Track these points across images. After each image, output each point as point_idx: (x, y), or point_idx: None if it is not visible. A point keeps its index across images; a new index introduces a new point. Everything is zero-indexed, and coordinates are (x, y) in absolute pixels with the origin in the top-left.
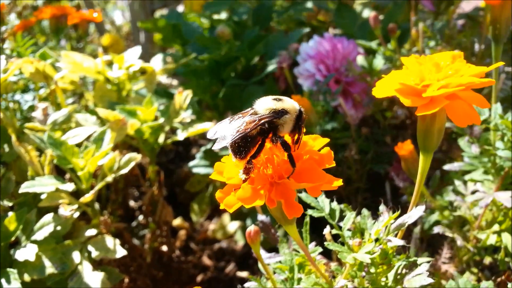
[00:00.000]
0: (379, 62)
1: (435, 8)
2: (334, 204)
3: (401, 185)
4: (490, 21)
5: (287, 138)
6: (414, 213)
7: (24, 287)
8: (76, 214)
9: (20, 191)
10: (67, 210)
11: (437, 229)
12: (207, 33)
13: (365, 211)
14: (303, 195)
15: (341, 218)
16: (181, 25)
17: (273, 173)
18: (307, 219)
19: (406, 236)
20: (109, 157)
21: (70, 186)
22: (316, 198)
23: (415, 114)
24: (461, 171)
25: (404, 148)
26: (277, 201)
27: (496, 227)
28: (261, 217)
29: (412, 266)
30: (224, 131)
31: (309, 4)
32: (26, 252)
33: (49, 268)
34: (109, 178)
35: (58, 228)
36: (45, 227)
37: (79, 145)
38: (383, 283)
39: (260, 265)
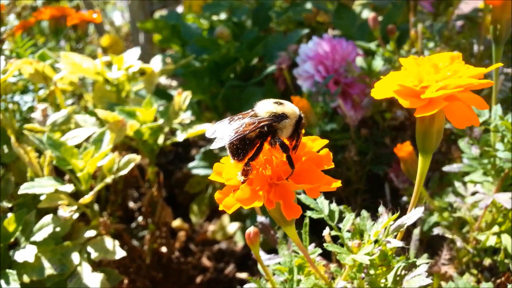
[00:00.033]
0: (378, 63)
1: (434, 9)
2: (333, 206)
3: (400, 186)
4: (491, 22)
5: (285, 142)
6: (413, 214)
7: None
8: (76, 215)
9: (20, 192)
10: (67, 211)
11: (436, 231)
12: (206, 34)
13: (364, 213)
14: (302, 196)
15: (341, 219)
16: (180, 26)
17: (272, 174)
18: (307, 220)
19: (406, 237)
20: (108, 158)
21: (69, 187)
22: (315, 199)
23: (414, 116)
24: (460, 173)
25: (403, 149)
26: (276, 202)
27: (496, 228)
28: (261, 218)
29: (411, 267)
30: (223, 131)
31: (308, 5)
32: (25, 253)
33: (48, 269)
34: (109, 179)
35: (58, 229)
36: (45, 228)
37: (78, 146)
38: (382, 285)
39: (259, 267)
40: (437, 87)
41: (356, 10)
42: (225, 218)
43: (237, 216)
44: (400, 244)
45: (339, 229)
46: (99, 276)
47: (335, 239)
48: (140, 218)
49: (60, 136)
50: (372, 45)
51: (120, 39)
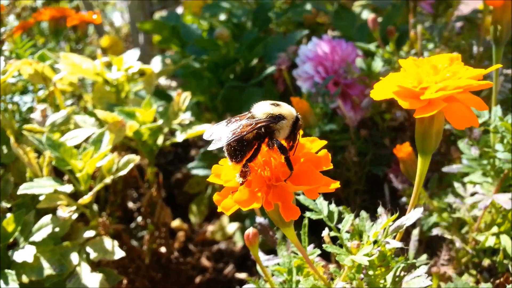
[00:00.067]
0: (377, 64)
1: (434, 10)
2: (333, 206)
3: (399, 187)
4: (491, 23)
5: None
6: (412, 215)
7: None
8: (75, 216)
9: (19, 192)
10: (66, 212)
11: (435, 231)
12: (206, 35)
13: (363, 213)
14: (301, 197)
15: (340, 220)
16: (180, 26)
17: (271, 175)
18: (306, 221)
19: (405, 237)
20: (107, 159)
21: (68, 188)
22: (314, 200)
23: (414, 117)
24: (459, 173)
25: (403, 150)
26: (274, 204)
27: (495, 229)
28: (260, 219)
29: (410, 268)
30: (220, 133)
31: (308, 6)
32: (24, 254)
33: (47, 270)
34: (108, 180)
35: (57, 229)
36: (44, 228)
37: (77, 146)
38: (381, 285)
39: (258, 267)
40: (436, 88)
41: (356, 11)
42: (225, 218)
43: (236, 216)
44: (399, 245)
45: (338, 230)
46: (98, 276)
47: (334, 239)
48: (139, 219)
49: (60, 136)
50: (372, 46)
51: (119, 40)
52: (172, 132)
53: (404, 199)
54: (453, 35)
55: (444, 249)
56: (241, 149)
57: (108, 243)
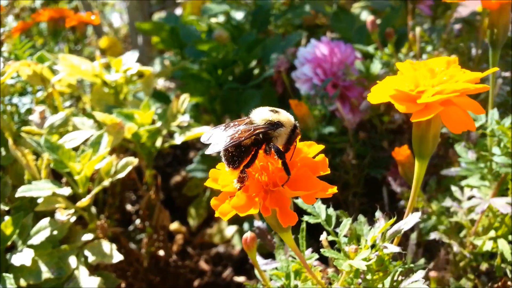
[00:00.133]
0: (376, 66)
1: (432, 13)
2: (331, 210)
3: (398, 190)
4: (488, 26)
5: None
6: (410, 219)
7: None
8: (73, 219)
9: (17, 195)
10: (64, 215)
11: (433, 235)
12: (204, 36)
13: (361, 217)
14: (299, 201)
15: (338, 224)
16: (179, 28)
17: (268, 180)
18: (304, 225)
19: (403, 241)
20: (106, 161)
21: (66, 190)
22: (313, 204)
23: (410, 121)
24: (458, 177)
25: (401, 153)
26: (272, 209)
27: (492, 233)
28: (258, 223)
29: (408, 272)
30: (218, 137)
31: (307, 8)
32: (22, 257)
33: (46, 273)
34: (106, 182)
35: (55, 232)
36: (42, 231)
37: (76, 149)
38: None
39: (256, 271)
40: (433, 91)
41: (355, 12)
42: (223, 221)
43: (234, 219)
44: (396, 249)
45: (336, 234)
46: (96, 280)
47: (332, 243)
48: (137, 221)
49: (58, 138)
50: (370, 48)
51: (118, 41)
52: (170, 134)
53: (402, 202)
54: (452, 38)
55: (442, 253)
56: (238, 154)
57: (106, 246)
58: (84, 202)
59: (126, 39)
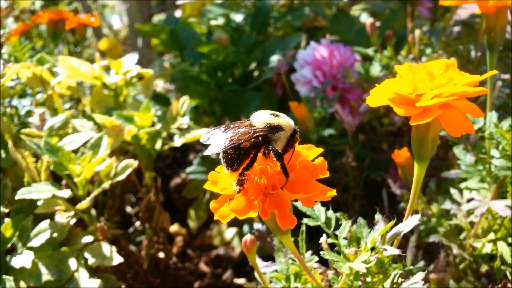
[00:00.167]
0: (376, 69)
1: (431, 15)
2: (330, 213)
3: (398, 192)
4: (485, 29)
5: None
6: (410, 222)
7: None
8: (73, 221)
9: (17, 197)
10: (64, 217)
11: (433, 238)
12: (204, 38)
13: (361, 220)
14: (298, 204)
15: (338, 226)
16: (178, 30)
17: (267, 183)
18: (303, 227)
19: (403, 243)
20: (105, 164)
21: (66, 193)
22: (312, 206)
23: (409, 124)
24: (458, 178)
25: (401, 155)
26: (271, 212)
27: (491, 235)
28: (257, 225)
29: (408, 274)
30: (218, 138)
31: (306, 10)
32: (22, 259)
33: (45, 275)
34: (106, 185)
35: (55, 235)
36: (42, 234)
37: (75, 151)
38: None
39: (256, 274)
40: (432, 95)
41: (354, 15)
42: (223, 224)
43: (234, 221)
44: (396, 252)
45: (336, 236)
46: (96, 282)
47: (332, 246)
48: (137, 223)
49: (58, 141)
50: (370, 51)
51: (118, 42)
52: (170, 136)
53: (402, 204)
54: (451, 40)
55: (441, 255)
56: (238, 157)
57: (106, 248)
58: (84, 204)
59: (125, 41)
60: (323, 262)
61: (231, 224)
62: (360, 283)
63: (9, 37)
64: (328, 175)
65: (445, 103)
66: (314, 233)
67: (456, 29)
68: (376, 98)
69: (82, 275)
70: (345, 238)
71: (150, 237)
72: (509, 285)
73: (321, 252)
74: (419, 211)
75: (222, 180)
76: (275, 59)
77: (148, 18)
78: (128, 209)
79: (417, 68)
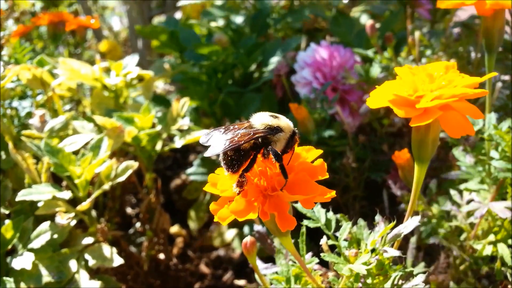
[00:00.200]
0: (375, 70)
1: (431, 16)
2: (330, 214)
3: (398, 193)
4: (483, 31)
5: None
6: (410, 223)
7: None
8: (73, 222)
9: (17, 199)
10: (64, 218)
11: (433, 239)
12: (204, 40)
13: (361, 221)
14: (298, 206)
15: (338, 227)
16: (178, 32)
17: (267, 185)
18: (303, 229)
19: (404, 244)
20: (106, 165)
21: (67, 194)
22: (312, 208)
23: (409, 125)
24: (458, 180)
25: (401, 156)
26: (271, 214)
27: (491, 237)
28: (258, 227)
29: (408, 276)
30: (217, 140)
31: (306, 12)
32: (23, 261)
33: (46, 277)
34: (106, 186)
35: (55, 236)
36: (42, 235)
37: (76, 152)
38: None
39: (257, 275)
40: (432, 96)
41: (354, 16)
42: (223, 225)
43: (234, 223)
44: (396, 253)
45: (336, 238)
46: (96, 284)
47: (332, 247)
48: (137, 225)
49: (58, 142)
50: (370, 52)
51: (118, 44)
52: (171, 138)
53: (403, 205)
54: (451, 41)
55: (442, 257)
56: (238, 158)
57: (107, 250)
58: (84, 205)
59: (126, 42)
60: (324, 263)
61: (232, 225)
62: (360, 284)
63: (10, 39)
64: (327, 176)
65: (445, 105)
66: (314, 235)
67: (456, 30)
68: (376, 99)
69: (83, 277)
70: (345, 240)
71: (151, 238)
72: (509, 286)
73: (322, 254)
74: (419, 212)
75: (222, 182)
76: (275, 60)
77: (148, 19)
78: (129, 210)
79: (417, 70)
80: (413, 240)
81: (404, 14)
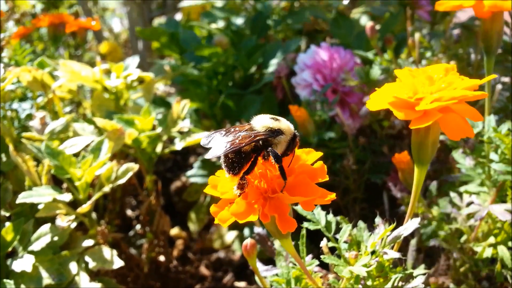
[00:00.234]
0: (375, 72)
1: (431, 18)
2: (330, 216)
3: (398, 195)
4: (481, 34)
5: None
6: (410, 225)
7: None
8: (73, 225)
9: (18, 201)
10: (64, 221)
11: (433, 242)
12: (205, 42)
13: (361, 224)
14: (299, 208)
15: (338, 230)
16: (179, 33)
17: (267, 187)
18: (304, 231)
19: (404, 246)
20: (106, 167)
21: (67, 197)
22: (312, 210)
23: (409, 127)
24: (459, 182)
25: (401, 159)
26: (271, 216)
27: (491, 239)
28: (258, 229)
29: (408, 278)
30: (218, 142)
31: (307, 14)
32: (23, 263)
33: (46, 279)
34: (107, 188)
35: (55, 238)
36: (42, 237)
37: (76, 154)
38: None
39: (257, 277)
40: (432, 99)
41: (355, 17)
42: (223, 227)
43: (235, 225)
44: (396, 255)
45: (337, 240)
46: (97, 286)
47: (333, 249)
48: (138, 227)
49: (58, 144)
50: (370, 54)
51: (118, 46)
52: (171, 140)
53: (403, 207)
54: (451, 43)
55: (442, 259)
56: (238, 161)
57: (107, 252)
58: (84, 208)
59: (126, 44)
60: (324, 265)
61: (232, 227)
62: (360, 286)
63: (10, 41)
64: (327, 179)
65: (444, 107)
66: (314, 237)
67: (456, 32)
68: (376, 102)
69: (83, 279)
70: (345, 242)
71: (151, 240)
72: None
73: (322, 256)
74: (419, 215)
75: (223, 184)
76: (275, 62)
77: (148, 21)
78: (129, 212)
79: (417, 72)
80: (413, 242)
81: (404, 16)
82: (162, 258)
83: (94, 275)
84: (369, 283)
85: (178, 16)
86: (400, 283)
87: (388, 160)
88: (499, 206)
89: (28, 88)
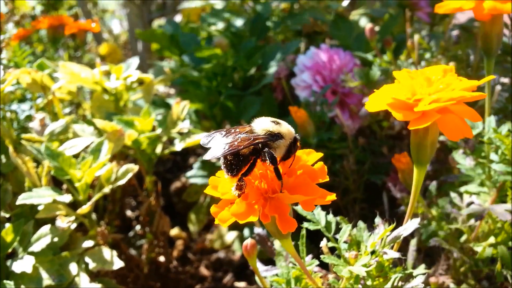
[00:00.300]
0: (375, 73)
1: (431, 20)
2: (330, 217)
3: (398, 195)
4: (481, 36)
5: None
6: (409, 225)
7: None
8: (73, 226)
9: (17, 202)
10: (64, 222)
11: (433, 242)
12: (204, 43)
13: (361, 224)
14: (299, 208)
15: (338, 230)
16: (178, 35)
17: (267, 188)
18: (304, 231)
19: (404, 246)
20: (106, 168)
21: (67, 198)
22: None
23: (408, 128)
24: (458, 182)
25: (401, 159)
26: (271, 216)
27: (492, 239)
28: (258, 229)
29: (408, 278)
30: (218, 143)
31: (306, 15)
32: (23, 264)
33: (46, 280)
34: (107, 189)
35: (55, 239)
36: (42, 238)
37: (76, 156)
38: None
39: (257, 278)
40: (430, 100)
41: (354, 20)
42: (223, 227)
43: (235, 225)
44: (396, 255)
45: (336, 240)
46: (97, 287)
47: (333, 249)
48: (138, 227)
49: (58, 146)
50: (369, 56)
51: (118, 47)
52: (171, 141)
53: (403, 207)
54: (450, 44)
55: (442, 258)
56: (237, 163)
57: (107, 253)
58: (84, 209)
59: (126, 45)
60: (324, 265)
61: (232, 227)
62: (360, 286)
63: (10, 42)
64: (327, 179)
65: (443, 108)
66: (314, 237)
67: (455, 33)
68: (375, 103)
69: (83, 280)
70: (345, 242)
71: (151, 241)
72: None
73: (322, 256)
74: (419, 215)
75: (223, 184)
76: (275, 63)
77: (148, 22)
78: (129, 213)
79: (415, 74)
80: (413, 242)
81: (404, 17)
82: (162, 258)
83: (94, 276)
84: (369, 283)
85: (178, 18)
86: (400, 283)
87: (388, 160)
88: (499, 206)
89: (28, 90)
